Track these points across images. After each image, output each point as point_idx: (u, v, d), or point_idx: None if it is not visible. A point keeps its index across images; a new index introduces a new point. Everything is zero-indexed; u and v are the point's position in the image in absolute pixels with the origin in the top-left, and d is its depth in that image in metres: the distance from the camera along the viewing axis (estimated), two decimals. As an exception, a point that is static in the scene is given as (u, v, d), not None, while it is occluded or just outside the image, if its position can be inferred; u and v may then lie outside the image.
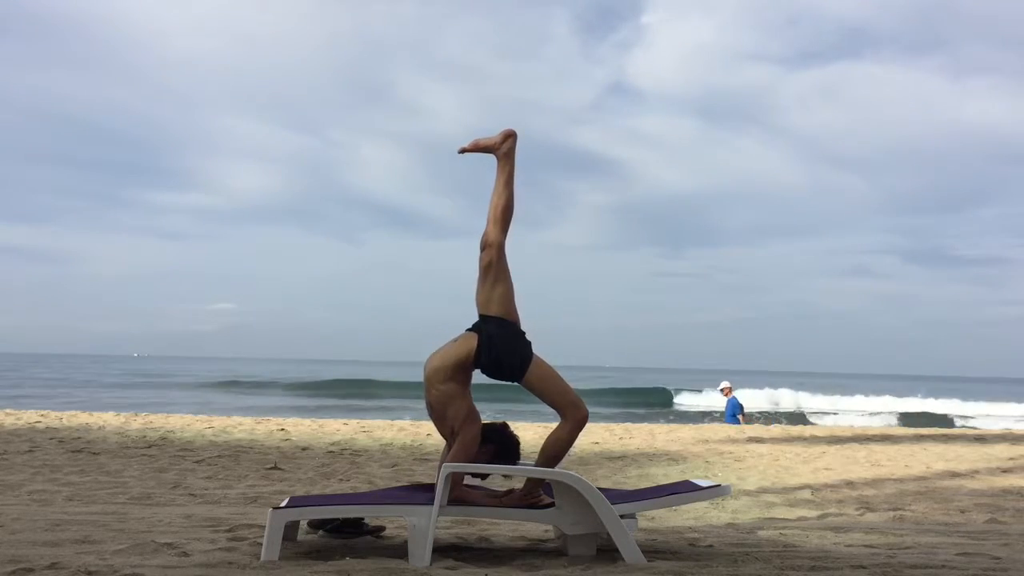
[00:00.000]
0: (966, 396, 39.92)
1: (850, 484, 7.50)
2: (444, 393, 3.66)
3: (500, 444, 3.78)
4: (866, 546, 4.20)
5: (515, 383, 3.79)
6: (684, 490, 3.82)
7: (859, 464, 9.20)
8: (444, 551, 3.64)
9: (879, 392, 40.49)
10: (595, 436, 12.36)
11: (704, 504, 5.98)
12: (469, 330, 3.77)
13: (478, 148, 3.97)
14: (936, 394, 39.79)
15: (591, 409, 3.98)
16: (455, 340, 3.76)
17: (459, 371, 3.69)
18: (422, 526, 3.38)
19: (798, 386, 40.63)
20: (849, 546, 4.18)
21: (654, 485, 5.52)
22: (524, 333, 3.80)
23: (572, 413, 3.71)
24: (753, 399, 30.35)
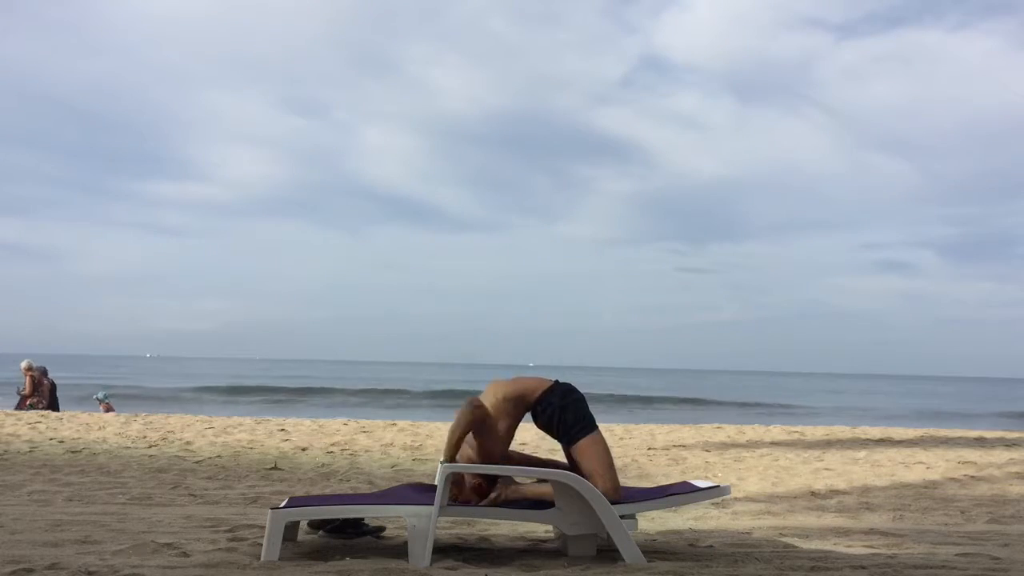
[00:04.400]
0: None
1: (850, 485, 7.50)
2: (493, 407, 3.65)
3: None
4: (866, 546, 4.20)
5: (560, 445, 3.75)
6: (684, 490, 3.82)
7: (859, 465, 9.19)
8: (444, 551, 3.64)
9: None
10: (595, 436, 12.35)
11: (704, 504, 5.99)
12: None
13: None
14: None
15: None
16: (528, 377, 3.78)
17: (517, 402, 3.67)
18: (422, 526, 3.38)
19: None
20: (849, 546, 4.18)
21: (654, 485, 5.52)
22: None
23: (608, 496, 3.63)
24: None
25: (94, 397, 16.51)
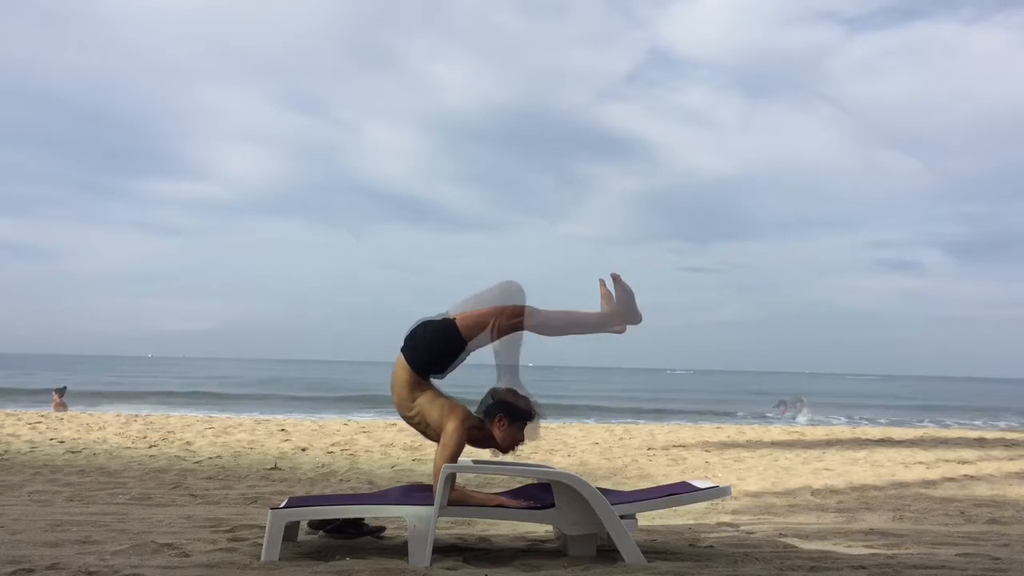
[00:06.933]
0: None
1: (850, 485, 7.50)
2: (418, 413, 3.78)
3: (507, 412, 3.74)
4: (866, 546, 4.20)
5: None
6: (684, 491, 3.82)
7: (859, 465, 9.20)
8: (444, 551, 3.64)
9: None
10: (595, 436, 12.37)
11: (704, 504, 5.98)
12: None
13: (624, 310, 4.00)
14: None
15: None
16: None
17: (415, 387, 3.78)
18: (422, 526, 3.38)
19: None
20: (849, 546, 4.18)
21: (654, 486, 5.52)
22: (453, 340, 3.74)
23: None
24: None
25: None
